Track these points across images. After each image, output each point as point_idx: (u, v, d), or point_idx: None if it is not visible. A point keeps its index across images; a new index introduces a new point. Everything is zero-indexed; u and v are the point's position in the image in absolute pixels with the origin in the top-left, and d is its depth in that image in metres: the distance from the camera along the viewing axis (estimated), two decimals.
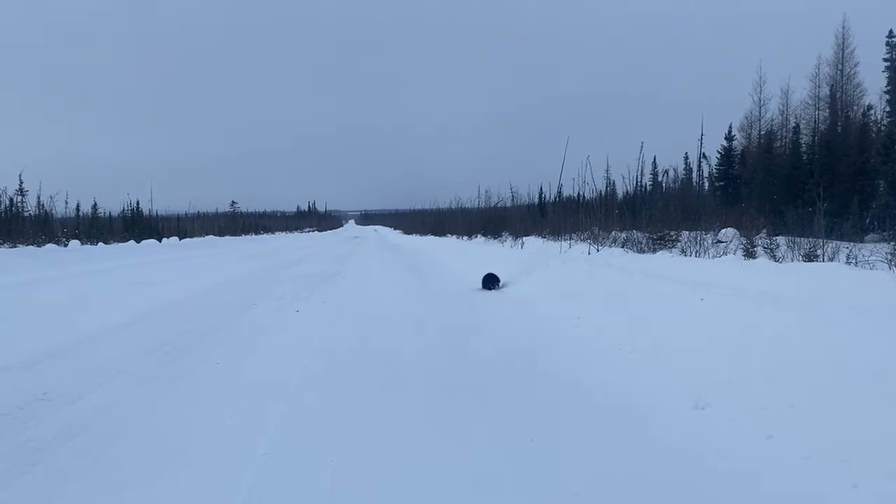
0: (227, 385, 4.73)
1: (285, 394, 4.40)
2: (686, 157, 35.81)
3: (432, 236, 38.39)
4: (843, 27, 26.10)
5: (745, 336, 4.73)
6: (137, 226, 31.59)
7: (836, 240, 9.89)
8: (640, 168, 31.66)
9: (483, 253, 18.44)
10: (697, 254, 11.51)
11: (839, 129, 25.73)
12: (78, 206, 28.52)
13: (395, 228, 78.98)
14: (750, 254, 10.45)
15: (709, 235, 13.53)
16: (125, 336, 6.71)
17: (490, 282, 10.99)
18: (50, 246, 20.91)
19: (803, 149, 26.69)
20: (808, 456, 3.06)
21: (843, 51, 26.27)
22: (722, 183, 30.66)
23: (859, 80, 26.10)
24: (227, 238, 42.18)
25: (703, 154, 32.57)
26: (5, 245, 20.53)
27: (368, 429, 3.71)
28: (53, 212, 25.86)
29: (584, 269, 9.95)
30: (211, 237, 39.43)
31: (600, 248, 13.64)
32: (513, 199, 35.63)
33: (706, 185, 32.63)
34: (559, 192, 25.67)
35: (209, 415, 4.00)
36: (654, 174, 34.52)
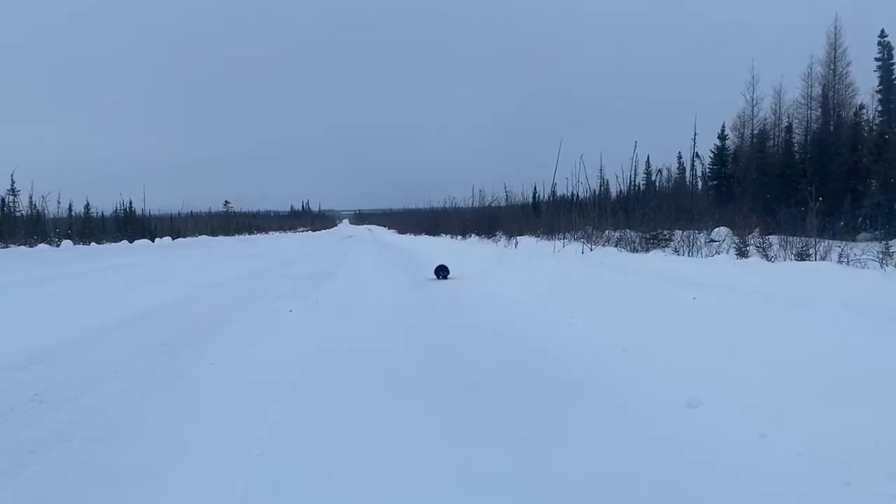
0: (224, 385, 4.72)
1: (283, 391, 4.40)
2: (679, 157, 35.94)
3: (426, 236, 38.38)
4: (835, 27, 26.29)
5: (738, 335, 4.76)
6: (130, 226, 31.46)
7: (829, 239, 9.96)
8: (633, 167, 31.85)
9: (474, 252, 18.48)
10: (690, 253, 11.57)
11: (831, 129, 25.89)
12: (70, 205, 28.36)
13: (390, 228, 78.96)
14: (742, 253, 10.51)
15: (702, 234, 13.62)
16: (120, 336, 6.69)
17: (441, 271, 12.80)
18: (42, 246, 20.81)
19: (796, 148, 26.85)
20: (800, 454, 3.08)
21: (835, 50, 26.44)
22: (715, 182, 30.80)
23: (851, 79, 26.29)
24: (221, 238, 42.03)
25: (697, 153, 32.71)
26: None
27: (364, 423, 3.71)
28: (46, 212, 25.74)
29: (577, 268, 9.98)
30: (204, 237, 39.30)
31: (594, 247, 13.69)
32: (507, 199, 35.72)
33: (699, 184, 32.77)
34: (553, 192, 25.79)
35: (206, 415, 3.99)
36: (648, 173, 34.67)
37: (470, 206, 38.31)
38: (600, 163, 27.15)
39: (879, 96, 25.27)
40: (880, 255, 8.28)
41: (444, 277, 12.69)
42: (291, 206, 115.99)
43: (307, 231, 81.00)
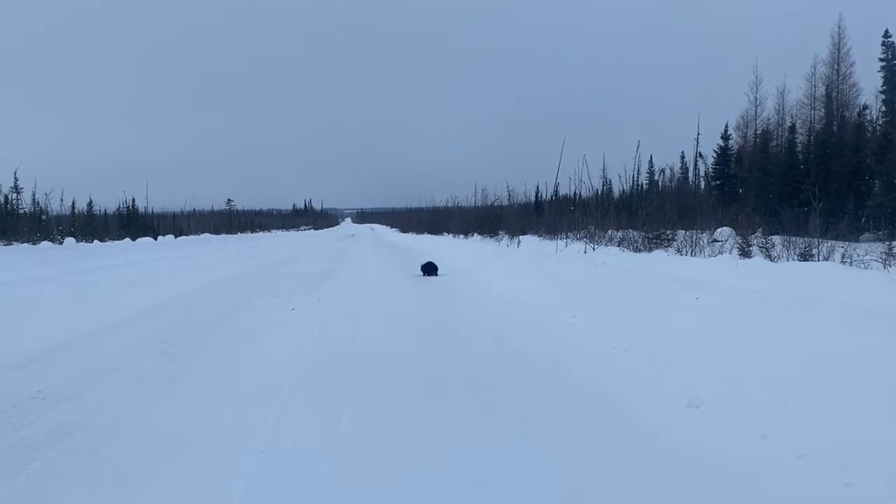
0: (225, 383, 4.72)
1: (284, 390, 4.40)
2: (682, 157, 35.92)
3: (429, 235, 38.36)
4: (839, 27, 26.23)
5: (740, 335, 4.75)
6: (133, 223, 31.46)
7: (832, 239, 9.90)
8: (636, 167, 31.91)
9: (476, 252, 18.50)
10: (693, 253, 11.53)
11: (835, 129, 25.82)
12: (73, 203, 28.26)
13: (392, 227, 78.99)
14: (745, 253, 10.47)
15: (704, 234, 13.58)
16: (121, 334, 6.69)
17: (429, 269, 13.31)
18: (45, 243, 20.83)
19: (799, 148, 26.78)
20: (801, 454, 3.08)
21: (838, 50, 26.39)
22: (718, 182, 30.77)
23: (855, 79, 26.23)
24: (223, 236, 42.05)
25: (700, 153, 32.67)
26: (0, 242, 20.46)
27: (365, 421, 3.72)
28: (49, 209, 25.71)
29: (579, 268, 9.97)
30: (207, 235, 39.30)
31: (596, 246, 13.66)
32: (509, 198, 35.69)
33: (702, 184, 32.72)
34: (556, 191, 25.79)
35: (207, 413, 3.99)
36: (651, 173, 34.70)
37: (472, 205, 38.32)
38: (603, 162, 27.26)
39: (883, 97, 25.14)
40: (883, 256, 8.25)
41: (431, 274, 13.12)
42: (294, 205, 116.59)
43: (309, 229, 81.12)
